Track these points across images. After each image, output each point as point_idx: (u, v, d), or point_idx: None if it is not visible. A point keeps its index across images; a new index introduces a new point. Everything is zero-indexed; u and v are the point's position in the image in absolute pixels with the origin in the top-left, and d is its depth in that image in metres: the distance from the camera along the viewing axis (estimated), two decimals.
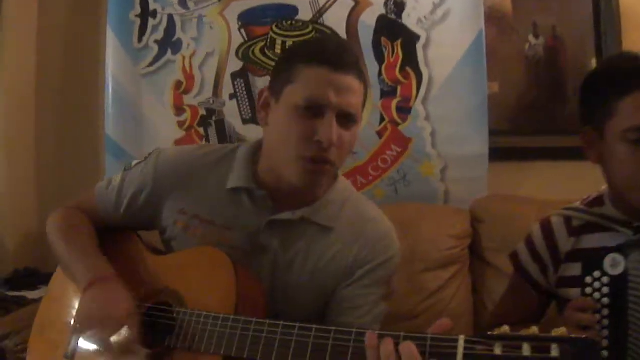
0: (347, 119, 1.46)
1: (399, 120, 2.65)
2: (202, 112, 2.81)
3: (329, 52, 1.46)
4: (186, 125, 2.82)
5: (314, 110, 1.43)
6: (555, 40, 2.85)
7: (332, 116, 1.43)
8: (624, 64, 1.55)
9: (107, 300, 1.45)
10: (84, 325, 1.46)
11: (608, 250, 1.49)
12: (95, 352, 1.46)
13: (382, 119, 2.67)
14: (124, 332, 1.41)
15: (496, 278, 2.41)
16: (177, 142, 2.80)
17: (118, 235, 1.69)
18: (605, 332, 1.45)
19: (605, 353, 1.45)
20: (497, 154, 2.65)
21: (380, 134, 2.67)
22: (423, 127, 2.64)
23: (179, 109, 2.82)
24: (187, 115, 2.82)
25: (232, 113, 2.79)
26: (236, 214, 1.56)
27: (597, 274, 1.48)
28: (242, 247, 1.54)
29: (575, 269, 1.58)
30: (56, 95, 3.10)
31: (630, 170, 1.49)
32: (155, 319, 1.47)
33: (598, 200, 1.64)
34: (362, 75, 1.51)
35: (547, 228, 1.68)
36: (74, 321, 1.51)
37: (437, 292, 2.40)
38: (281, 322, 1.31)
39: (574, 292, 1.55)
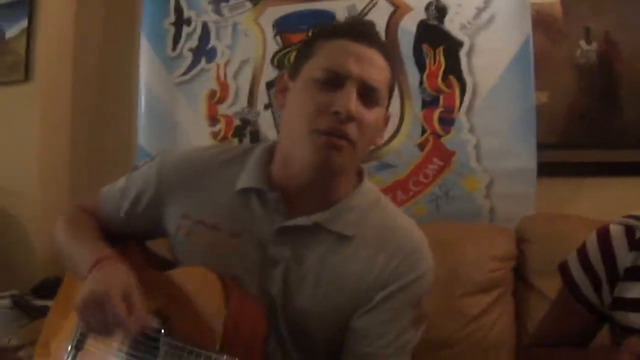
0: (369, 96, 1.35)
1: (441, 132, 2.51)
2: (237, 122, 2.73)
3: (351, 25, 1.42)
4: (220, 136, 2.74)
5: (332, 81, 1.33)
6: (609, 46, 2.67)
7: (352, 87, 1.33)
8: None
9: (108, 275, 1.33)
10: (88, 306, 1.29)
11: None
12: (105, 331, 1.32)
13: (423, 131, 2.53)
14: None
15: (542, 304, 2.23)
16: None
17: (117, 247, 1.56)
18: None
19: None
20: (546, 169, 2.49)
21: (421, 147, 2.53)
22: (467, 140, 2.49)
23: (213, 119, 2.76)
24: (221, 126, 2.74)
25: (267, 123, 2.69)
26: (245, 218, 1.42)
27: None
28: (251, 256, 1.41)
29: (636, 290, 1.39)
30: (90, 106, 3.10)
31: None
32: (142, 345, 1.35)
33: None
34: (387, 54, 1.40)
35: (604, 237, 1.47)
36: (77, 307, 1.34)
37: (478, 318, 2.25)
38: None
39: (634, 317, 1.37)
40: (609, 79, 2.68)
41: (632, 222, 1.45)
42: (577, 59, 2.68)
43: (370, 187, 1.50)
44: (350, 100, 1.31)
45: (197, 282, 1.36)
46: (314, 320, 1.40)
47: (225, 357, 1.22)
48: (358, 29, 1.39)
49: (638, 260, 1.41)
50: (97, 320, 1.29)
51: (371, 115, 1.36)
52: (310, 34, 1.51)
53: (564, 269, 1.57)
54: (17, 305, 2.68)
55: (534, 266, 2.33)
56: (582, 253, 1.52)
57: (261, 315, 1.35)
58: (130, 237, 1.60)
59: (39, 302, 2.54)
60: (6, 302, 2.69)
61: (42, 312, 2.39)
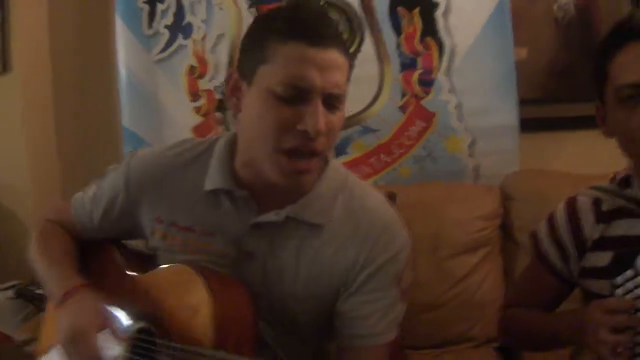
0: (334, 102, 1.28)
1: (421, 94, 2.50)
2: (219, 96, 2.70)
3: (304, 24, 1.26)
4: (203, 111, 2.71)
5: (295, 96, 1.24)
6: None
7: (317, 101, 1.24)
8: (612, 27, 1.41)
9: (79, 311, 1.35)
10: (67, 346, 1.33)
11: None
12: None
13: (403, 94, 2.52)
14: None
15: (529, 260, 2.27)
16: (195, 129, 2.71)
17: (96, 251, 1.58)
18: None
19: None
20: (529, 125, 2.49)
21: (402, 109, 2.52)
22: (447, 100, 2.49)
23: (194, 95, 2.72)
24: (203, 101, 2.71)
25: None
26: (217, 218, 1.40)
27: (629, 273, 1.29)
28: (226, 253, 1.40)
29: (602, 259, 1.42)
30: (72, 91, 3.06)
31: (630, 131, 1.34)
32: (136, 347, 1.35)
33: (626, 181, 1.47)
34: (345, 48, 1.31)
35: (572, 210, 1.51)
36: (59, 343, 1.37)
37: (465, 279, 2.28)
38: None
39: (600, 284, 1.39)
40: (588, 32, 2.65)
41: (599, 194, 1.48)
42: (555, 12, 2.66)
43: (335, 169, 1.46)
44: (318, 117, 1.24)
45: (178, 280, 1.36)
46: (298, 309, 1.41)
47: (219, 352, 1.23)
48: (313, 29, 1.26)
49: (605, 232, 1.44)
50: (79, 356, 1.33)
51: (336, 118, 1.31)
52: (256, 23, 1.38)
53: (534, 237, 1.60)
54: (21, 295, 2.69)
55: (519, 223, 2.34)
56: (551, 224, 1.55)
57: (246, 298, 1.35)
58: (105, 241, 1.59)
59: (42, 291, 2.54)
60: (9, 292, 2.70)
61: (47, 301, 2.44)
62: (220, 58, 2.68)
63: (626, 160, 1.46)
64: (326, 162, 1.44)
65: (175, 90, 2.74)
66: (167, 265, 1.43)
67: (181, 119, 2.73)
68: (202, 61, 2.69)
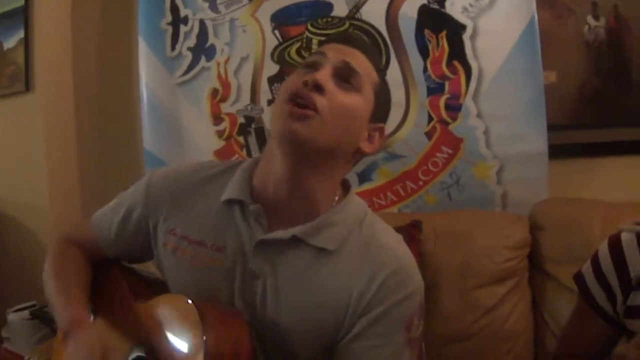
0: (347, 78, 1.34)
1: (448, 120, 2.45)
2: (241, 120, 2.69)
3: (343, 34, 1.48)
4: (225, 135, 2.71)
5: (312, 65, 1.36)
6: (618, 21, 2.57)
7: (327, 66, 1.34)
8: None
9: (81, 346, 1.33)
10: None
11: None
12: None
13: (430, 119, 2.47)
14: None
15: (558, 291, 2.21)
16: (217, 153, 2.71)
17: (103, 273, 1.57)
18: None
19: None
20: (558, 151, 2.42)
21: (429, 135, 2.47)
22: (475, 126, 2.42)
23: (217, 118, 2.72)
24: (225, 124, 2.71)
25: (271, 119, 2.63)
26: (228, 231, 1.38)
27: None
28: (234, 270, 1.37)
29: None
30: (94, 112, 3.08)
31: None
32: None
33: None
34: (372, 58, 1.42)
35: (616, 247, 1.44)
36: None
37: (493, 310, 2.19)
38: None
39: None
40: (619, 56, 2.59)
41: None
42: (585, 35, 2.60)
43: (356, 202, 1.44)
44: (320, 73, 1.32)
45: (175, 311, 1.34)
46: (296, 337, 1.34)
47: None
48: (347, 36, 1.47)
49: None
50: None
51: (346, 98, 1.33)
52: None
53: (578, 279, 1.54)
54: (37, 317, 2.68)
55: (548, 253, 2.27)
56: (595, 263, 1.49)
57: (244, 331, 1.30)
58: (118, 259, 1.59)
59: None
60: (25, 313, 2.70)
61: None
62: (244, 81, 2.67)
63: None
64: (347, 191, 1.43)
65: (197, 113, 2.74)
66: (169, 295, 1.41)
67: (203, 142, 2.73)
68: (225, 84, 2.69)
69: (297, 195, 1.35)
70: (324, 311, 1.32)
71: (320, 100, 1.29)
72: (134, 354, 1.35)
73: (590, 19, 2.59)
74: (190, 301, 1.30)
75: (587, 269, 1.51)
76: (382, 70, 1.45)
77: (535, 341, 2.23)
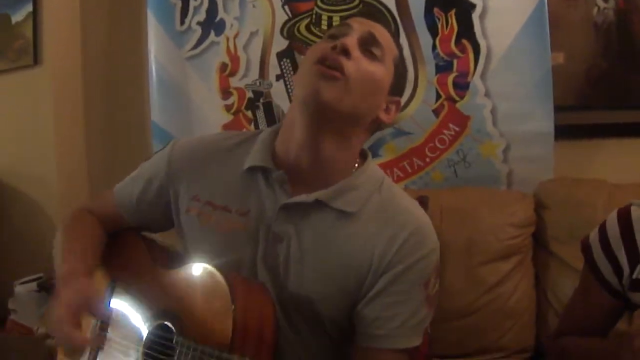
0: (370, 48, 1.39)
1: (456, 97, 2.46)
2: (250, 94, 2.69)
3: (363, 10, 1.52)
4: (234, 109, 2.71)
5: (338, 34, 1.40)
6: (628, 3, 2.58)
7: (353, 34, 1.39)
8: None
9: (64, 295, 1.37)
10: (52, 327, 1.38)
11: None
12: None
13: (438, 96, 2.48)
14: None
15: (561, 270, 2.24)
16: (225, 127, 2.71)
17: (124, 242, 1.58)
18: None
19: None
20: (564, 132, 2.44)
21: (436, 112, 2.49)
22: (483, 104, 2.44)
23: (225, 92, 2.72)
24: (234, 99, 2.71)
25: (279, 94, 2.65)
26: (251, 197, 1.42)
27: None
28: (257, 234, 1.40)
29: None
30: (102, 85, 3.06)
31: None
32: (155, 343, 1.36)
33: None
34: (393, 33, 1.48)
35: (624, 220, 1.45)
36: None
37: (496, 286, 2.23)
38: None
39: None
40: (627, 38, 2.59)
41: None
42: (594, 17, 2.60)
43: (374, 169, 1.48)
44: (347, 39, 1.36)
45: (202, 280, 1.35)
46: (320, 298, 1.38)
47: (236, 357, 1.21)
48: (371, 11, 1.61)
49: None
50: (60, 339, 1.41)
51: (371, 66, 1.38)
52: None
53: (586, 249, 1.54)
54: (44, 289, 2.69)
55: (553, 232, 2.30)
56: (603, 234, 1.49)
57: (269, 306, 1.34)
58: (140, 228, 1.61)
59: None
60: (33, 285, 2.71)
61: None
62: (253, 56, 2.67)
63: None
64: (365, 158, 1.47)
65: (206, 87, 2.74)
66: (194, 264, 1.41)
67: (211, 117, 2.73)
68: (234, 59, 2.68)
69: (319, 161, 1.39)
70: (347, 271, 1.37)
71: (347, 65, 1.34)
72: (159, 322, 1.37)
73: (599, 1, 2.59)
74: (217, 271, 1.33)
75: (594, 239, 1.51)
76: (401, 47, 1.49)
77: (537, 319, 2.27)
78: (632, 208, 1.46)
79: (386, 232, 1.37)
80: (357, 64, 1.35)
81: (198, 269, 1.38)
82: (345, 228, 1.38)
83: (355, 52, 1.36)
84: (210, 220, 1.44)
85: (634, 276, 1.42)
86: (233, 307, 1.26)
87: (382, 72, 1.40)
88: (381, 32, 1.42)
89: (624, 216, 1.46)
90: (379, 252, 1.36)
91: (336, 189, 1.39)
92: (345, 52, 1.34)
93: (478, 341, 2.25)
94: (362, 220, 1.39)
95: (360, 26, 1.40)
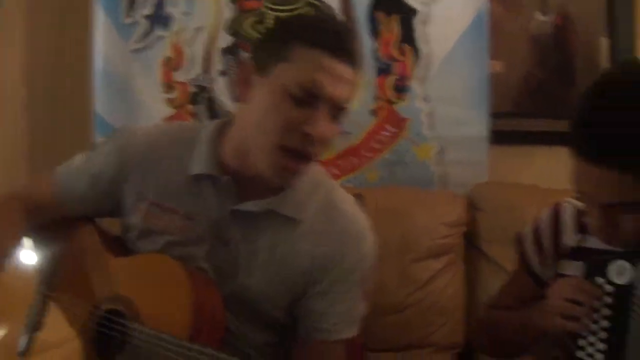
0: (337, 114, 1.36)
1: (394, 99, 2.52)
2: (192, 89, 2.70)
3: (331, 36, 1.34)
4: (176, 103, 2.71)
5: (307, 100, 1.31)
6: (565, 20, 2.66)
7: (325, 109, 1.32)
8: None
9: None
10: None
11: (614, 255, 1.34)
12: None
13: (377, 98, 2.53)
14: None
15: (492, 270, 2.31)
16: (168, 120, 2.69)
17: (74, 228, 1.56)
18: (602, 346, 1.30)
19: None
20: (499, 137, 2.51)
21: (374, 113, 2.54)
22: (420, 108, 2.51)
23: (168, 86, 2.71)
24: (177, 93, 2.70)
25: (222, 90, 2.65)
26: (199, 202, 1.43)
27: (600, 280, 1.32)
28: (205, 237, 1.42)
29: (575, 268, 1.42)
30: (46, 75, 3.02)
31: None
32: (107, 329, 1.36)
33: None
34: (360, 64, 1.39)
35: (556, 215, 1.54)
36: None
37: (428, 283, 2.28)
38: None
39: None
40: (563, 51, 2.68)
41: (581, 205, 1.48)
42: (533, 30, 2.68)
43: (315, 170, 1.50)
44: (324, 124, 1.32)
45: (160, 269, 1.38)
46: (265, 301, 1.44)
47: (197, 346, 1.23)
48: (340, 43, 1.34)
49: (581, 242, 1.46)
50: None
51: (335, 130, 1.38)
52: (284, 24, 1.54)
53: (519, 241, 1.62)
54: None
55: (484, 233, 2.36)
56: (535, 227, 1.57)
57: (220, 302, 1.37)
58: (84, 216, 1.58)
59: None
60: None
61: None
62: (197, 51, 2.67)
63: None
64: None
65: (150, 80, 2.73)
66: (151, 253, 1.44)
67: (154, 110, 2.72)
68: (178, 53, 2.69)
69: None
70: (293, 274, 1.43)
71: (317, 150, 1.35)
72: (110, 307, 1.37)
73: (538, 15, 2.67)
74: (174, 260, 1.36)
75: (527, 231, 1.59)
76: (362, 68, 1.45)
77: (467, 316, 2.32)
78: (564, 205, 1.54)
79: (330, 234, 1.43)
80: (322, 134, 1.33)
81: (154, 257, 1.41)
82: (291, 232, 1.43)
83: (328, 130, 1.35)
84: (156, 221, 1.45)
85: (558, 270, 1.48)
86: (192, 298, 1.29)
87: (340, 128, 1.41)
88: (350, 83, 1.37)
89: (556, 211, 1.54)
90: (323, 254, 1.42)
91: (282, 196, 1.42)
92: (319, 142, 1.33)
93: (409, 336, 2.29)
94: (308, 223, 1.43)
95: (333, 90, 1.32)
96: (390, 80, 2.51)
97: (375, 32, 2.52)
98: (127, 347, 1.32)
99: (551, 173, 2.51)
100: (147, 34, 2.72)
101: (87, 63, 2.83)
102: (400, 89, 2.51)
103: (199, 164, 1.43)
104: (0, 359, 1.48)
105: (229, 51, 2.64)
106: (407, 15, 2.50)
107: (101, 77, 2.75)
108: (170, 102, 2.71)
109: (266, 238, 1.42)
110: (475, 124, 2.47)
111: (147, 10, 2.70)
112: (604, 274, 1.32)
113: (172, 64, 2.70)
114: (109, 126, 2.71)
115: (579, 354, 1.32)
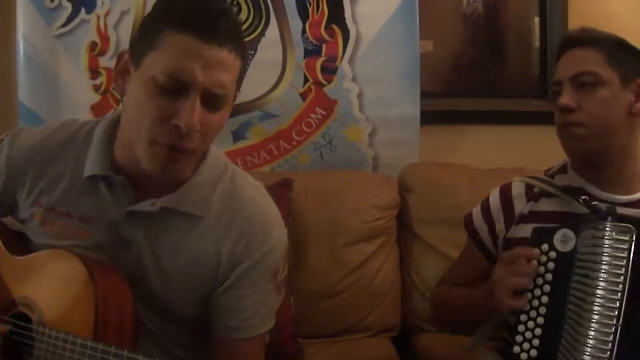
0: (214, 101, 1.25)
1: (323, 82, 2.48)
2: None
3: (201, 18, 1.22)
4: (102, 89, 2.63)
5: (175, 88, 1.21)
6: None
7: (195, 97, 1.21)
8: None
9: None
10: None
11: (562, 218, 1.49)
12: None
13: (305, 80, 2.49)
14: None
15: (425, 251, 2.30)
16: (94, 107, 2.63)
17: None
18: (543, 310, 1.39)
19: (539, 330, 1.39)
20: (430, 117, 2.50)
21: (303, 96, 2.50)
22: (349, 89, 2.48)
23: (94, 72, 2.63)
24: (102, 79, 2.63)
25: None
26: (95, 204, 1.36)
27: (545, 247, 1.41)
28: (102, 241, 1.35)
29: (525, 231, 1.53)
30: None
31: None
32: (11, 334, 1.31)
33: (562, 169, 1.61)
34: (239, 47, 1.27)
35: (505, 191, 1.65)
36: None
37: (361, 267, 2.26)
38: (139, 356, 1.17)
39: None
40: (495, 30, 2.69)
41: (531, 181, 1.61)
42: (464, 9, 2.67)
43: (215, 157, 1.43)
44: (192, 113, 1.21)
45: (59, 265, 1.32)
46: (176, 302, 1.39)
47: (101, 345, 1.19)
48: (207, 25, 1.22)
49: (533, 207, 1.59)
50: None
51: (216, 118, 1.27)
52: (155, 8, 1.31)
53: (467, 220, 1.72)
54: None
55: (417, 214, 2.34)
56: (485, 204, 1.68)
57: (126, 288, 1.32)
58: None
59: None
60: None
61: None
62: (123, 36, 2.59)
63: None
64: (206, 150, 1.40)
65: (75, 66, 2.65)
66: (48, 251, 1.38)
67: (79, 97, 2.64)
68: (104, 38, 2.61)
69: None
70: (199, 271, 1.37)
71: (193, 141, 1.25)
72: (14, 311, 1.32)
73: None
74: (74, 255, 1.31)
75: (476, 210, 1.71)
76: (245, 53, 1.35)
77: (402, 299, 2.31)
78: (513, 184, 1.65)
79: (234, 228, 1.37)
80: (202, 131, 1.25)
81: (53, 254, 1.35)
82: (194, 229, 1.37)
83: (200, 118, 1.23)
84: (53, 227, 1.39)
85: (508, 235, 1.59)
86: (94, 292, 1.24)
87: (226, 112, 1.30)
88: (226, 66, 1.25)
89: (506, 190, 1.65)
90: (228, 249, 1.37)
91: (181, 192, 1.36)
92: (191, 132, 1.23)
93: (343, 321, 2.27)
94: (210, 218, 1.37)
95: (203, 76, 1.21)
96: (319, 62, 2.48)
97: (304, 13, 2.48)
98: (35, 352, 1.28)
99: (481, 152, 2.54)
100: (71, 17, 2.63)
101: (9, 49, 2.75)
102: (329, 70, 2.48)
103: (92, 166, 1.36)
104: None
105: None
106: None
107: (24, 64, 2.66)
108: (96, 88, 2.64)
109: (169, 238, 1.36)
110: (406, 104, 2.46)
111: None
112: (550, 241, 1.40)
113: (97, 49, 2.62)
114: (34, 115, 2.64)
115: (520, 328, 1.40)
